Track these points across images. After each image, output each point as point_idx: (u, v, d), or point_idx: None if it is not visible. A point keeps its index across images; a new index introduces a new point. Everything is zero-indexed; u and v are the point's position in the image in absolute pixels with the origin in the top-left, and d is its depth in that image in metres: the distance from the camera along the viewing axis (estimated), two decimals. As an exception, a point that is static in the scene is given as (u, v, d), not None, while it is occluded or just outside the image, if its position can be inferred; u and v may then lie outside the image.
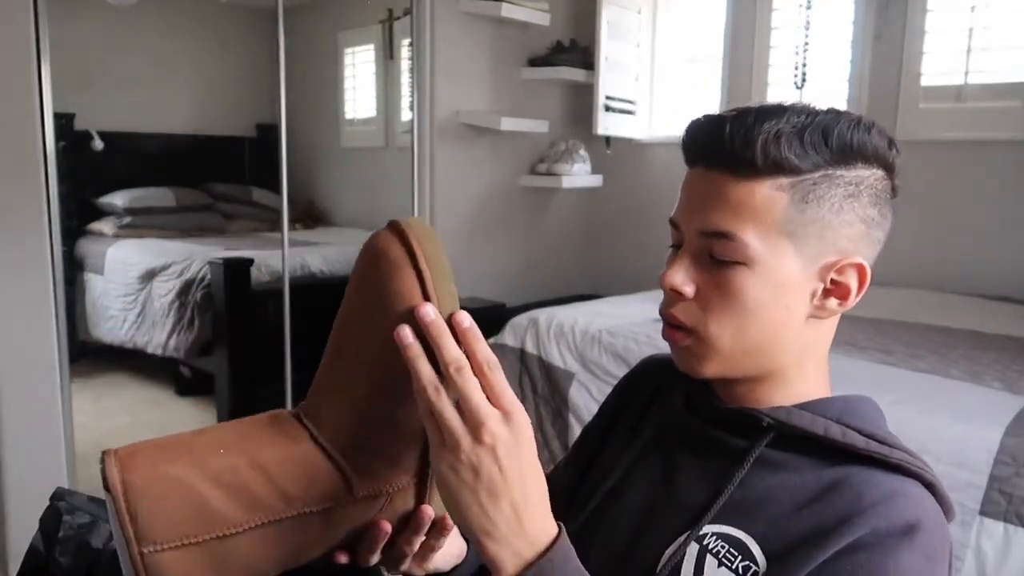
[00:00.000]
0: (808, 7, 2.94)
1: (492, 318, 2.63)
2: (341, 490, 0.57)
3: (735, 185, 0.64)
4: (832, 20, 2.98)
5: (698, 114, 0.69)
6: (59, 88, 2.05)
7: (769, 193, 0.63)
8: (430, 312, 0.54)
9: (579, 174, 3.27)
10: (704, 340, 0.67)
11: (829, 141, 0.62)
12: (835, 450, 0.65)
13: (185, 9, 3.18)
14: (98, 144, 2.86)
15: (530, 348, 2.35)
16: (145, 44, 3.06)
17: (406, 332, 0.54)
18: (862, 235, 0.65)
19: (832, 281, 0.66)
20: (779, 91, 3.15)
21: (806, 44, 2.95)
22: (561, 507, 0.80)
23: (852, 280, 0.66)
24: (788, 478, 0.66)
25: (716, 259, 0.65)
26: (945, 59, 2.76)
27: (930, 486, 0.64)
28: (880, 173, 0.66)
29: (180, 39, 3.17)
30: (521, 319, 2.43)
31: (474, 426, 0.52)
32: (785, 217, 0.63)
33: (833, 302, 0.67)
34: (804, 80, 2.97)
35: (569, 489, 0.82)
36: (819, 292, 0.66)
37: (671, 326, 0.69)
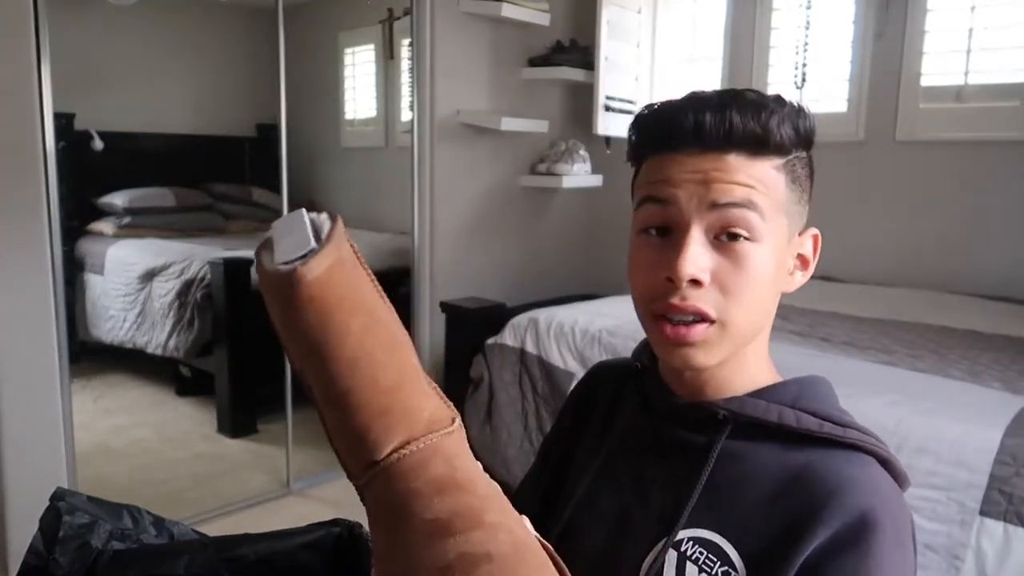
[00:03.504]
0: (808, 7, 2.94)
1: (492, 318, 2.62)
2: None
3: (750, 163, 0.65)
4: (832, 20, 2.97)
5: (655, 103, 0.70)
6: (59, 88, 2.05)
7: (772, 172, 0.66)
8: None
9: (579, 174, 3.27)
10: (726, 326, 0.65)
11: (800, 125, 0.67)
12: (793, 434, 0.66)
13: (185, 9, 3.18)
14: (98, 144, 2.86)
15: (530, 348, 2.35)
16: (145, 44, 3.06)
17: None
18: (806, 209, 0.70)
19: (799, 254, 0.71)
20: (779, 91, 3.14)
21: (806, 44, 2.95)
22: (533, 522, 0.80)
23: (810, 249, 0.72)
24: (752, 469, 0.66)
25: (730, 236, 0.64)
26: (945, 59, 2.76)
27: (885, 462, 0.66)
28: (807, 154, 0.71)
29: (180, 39, 3.17)
30: (521, 319, 2.42)
31: None
32: (784, 196, 0.66)
33: (799, 274, 0.72)
34: (804, 80, 2.97)
35: (541, 500, 0.81)
36: (791, 265, 0.70)
37: (687, 322, 0.65)
